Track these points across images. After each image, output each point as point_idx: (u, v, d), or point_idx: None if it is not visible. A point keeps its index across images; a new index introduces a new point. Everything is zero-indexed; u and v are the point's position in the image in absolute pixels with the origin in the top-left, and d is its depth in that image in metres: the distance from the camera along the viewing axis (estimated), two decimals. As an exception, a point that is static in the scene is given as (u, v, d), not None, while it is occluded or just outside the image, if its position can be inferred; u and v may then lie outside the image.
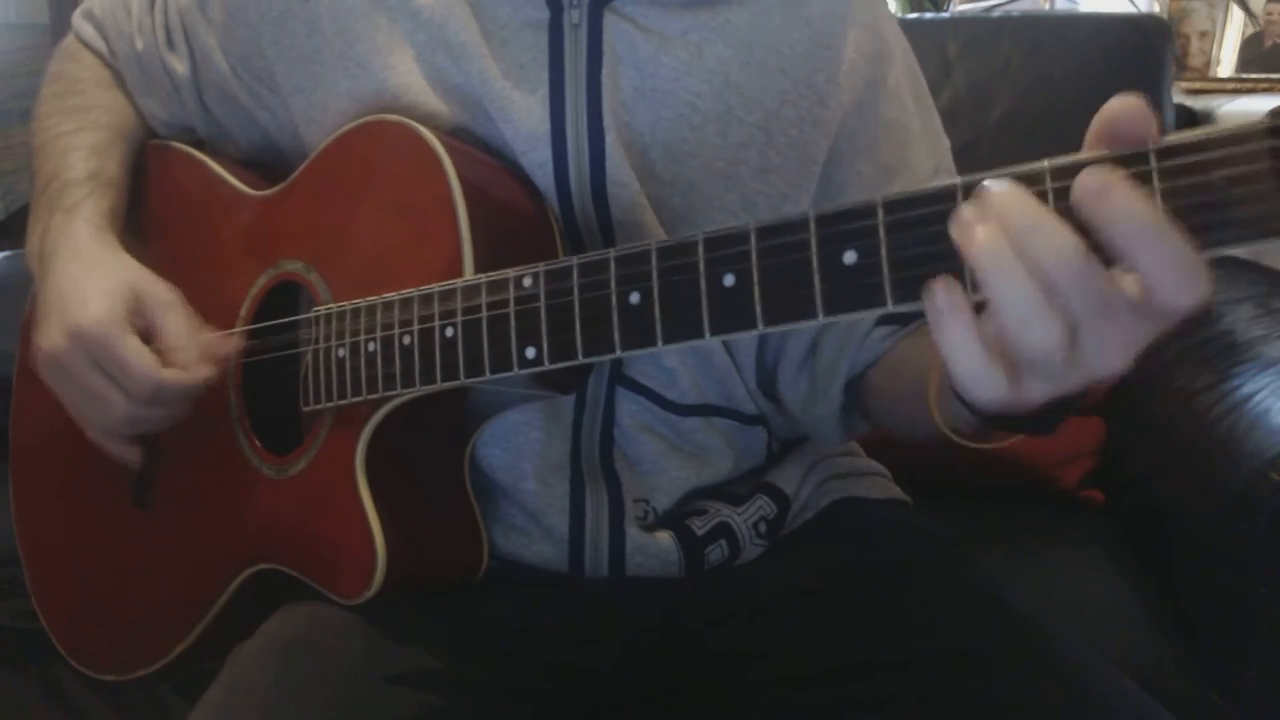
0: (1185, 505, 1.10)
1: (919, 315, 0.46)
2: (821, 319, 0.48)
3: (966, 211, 0.43)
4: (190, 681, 0.73)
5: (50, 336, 0.73)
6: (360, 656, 0.66)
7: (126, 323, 0.71)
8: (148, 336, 0.72)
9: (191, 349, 0.72)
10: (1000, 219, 0.42)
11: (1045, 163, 0.43)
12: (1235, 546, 0.97)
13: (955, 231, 0.43)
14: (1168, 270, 0.40)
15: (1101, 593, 1.07)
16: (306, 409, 0.71)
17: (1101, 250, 0.41)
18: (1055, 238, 0.41)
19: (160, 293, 0.74)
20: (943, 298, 0.44)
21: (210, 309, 0.76)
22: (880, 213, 0.46)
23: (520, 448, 0.74)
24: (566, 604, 0.74)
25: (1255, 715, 0.95)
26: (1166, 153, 0.41)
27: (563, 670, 0.72)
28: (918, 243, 0.46)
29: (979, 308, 0.44)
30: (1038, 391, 0.46)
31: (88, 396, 0.73)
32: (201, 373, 0.71)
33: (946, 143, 0.82)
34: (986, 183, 0.43)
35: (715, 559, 0.76)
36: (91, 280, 0.73)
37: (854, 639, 0.72)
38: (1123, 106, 0.42)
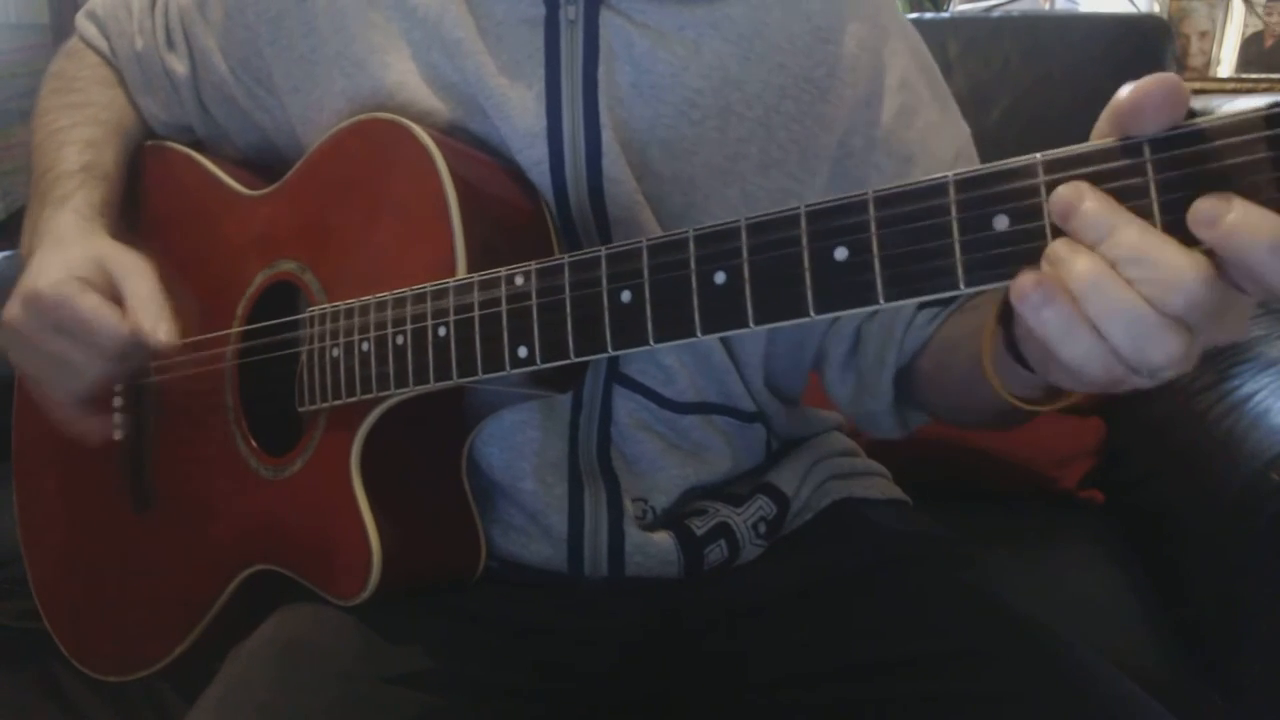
0: (1185, 505, 1.10)
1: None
2: (813, 316, 0.48)
3: (1061, 246, 0.42)
4: (190, 681, 0.73)
5: (9, 307, 0.72)
6: (359, 657, 0.66)
7: (84, 283, 0.70)
8: (113, 301, 0.71)
9: (155, 309, 0.70)
10: (1101, 247, 0.41)
11: (1038, 156, 0.43)
12: (1235, 546, 0.97)
13: (1049, 266, 0.42)
14: None
15: (1101, 593, 1.07)
16: (302, 409, 0.71)
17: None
18: (1172, 268, 0.39)
19: (126, 259, 0.73)
20: (1036, 294, 0.42)
21: (206, 309, 0.76)
22: (871, 208, 0.46)
23: (518, 447, 0.74)
24: (566, 604, 0.74)
25: (1255, 715, 0.95)
26: (1160, 144, 0.40)
27: (561, 671, 0.72)
28: (909, 238, 0.45)
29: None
30: (1147, 383, 0.44)
31: (52, 362, 0.72)
32: (161, 338, 0.69)
33: (966, 129, 0.81)
34: (1085, 205, 0.41)
35: (715, 559, 0.76)
36: (60, 255, 0.72)
37: (854, 639, 0.71)
38: (1158, 86, 0.40)
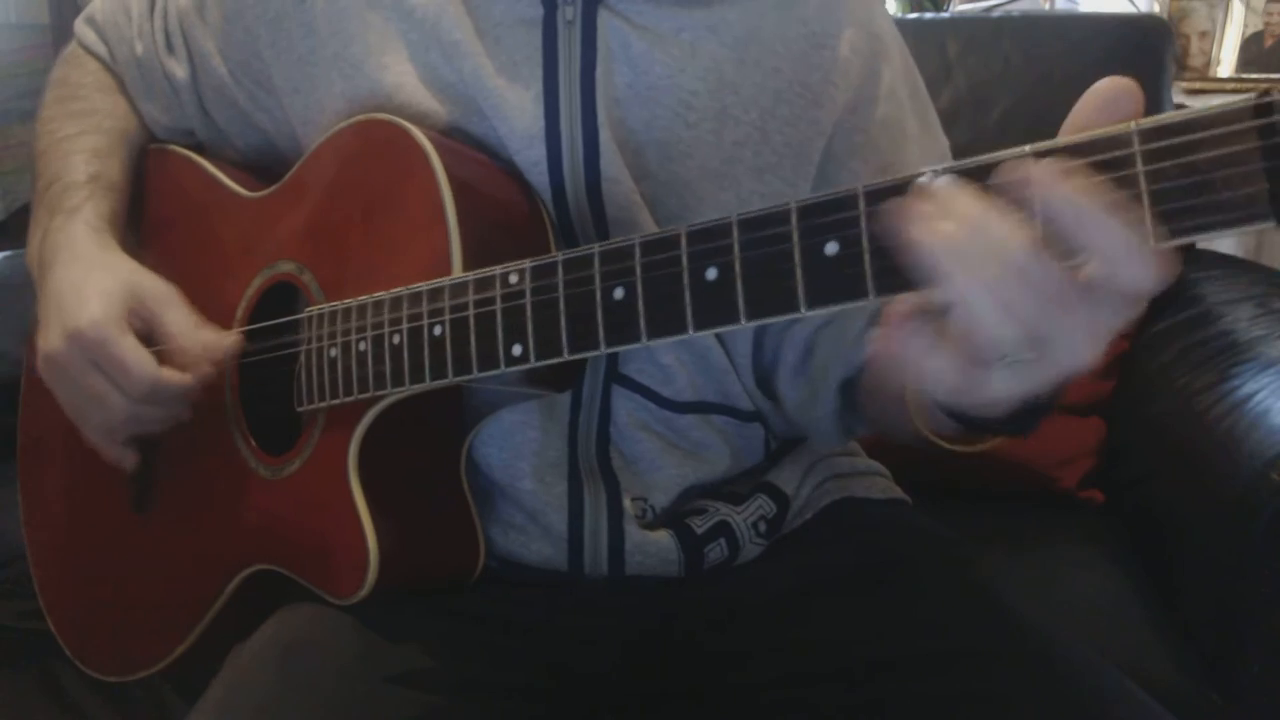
0: (1185, 505, 1.10)
1: None
2: (804, 311, 0.48)
3: (921, 206, 0.43)
4: (190, 681, 0.73)
5: (49, 339, 0.73)
6: (359, 657, 0.66)
7: (124, 322, 0.72)
8: (148, 334, 0.73)
9: (193, 345, 0.72)
10: (950, 214, 0.42)
11: (1027, 148, 0.43)
12: (1235, 546, 0.97)
13: (911, 225, 0.43)
14: (1125, 255, 0.40)
15: (1101, 593, 1.07)
16: (300, 409, 0.71)
17: (1059, 241, 0.41)
18: (1003, 232, 0.41)
19: (159, 289, 0.74)
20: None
21: (207, 311, 0.76)
22: (861, 203, 0.46)
23: (517, 447, 0.74)
24: (566, 604, 0.74)
25: (1255, 715, 0.95)
26: (1150, 134, 0.40)
27: (562, 670, 0.72)
28: (899, 233, 0.45)
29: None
30: (1007, 389, 0.46)
31: (87, 397, 0.73)
32: (200, 371, 0.72)
33: (945, 142, 0.81)
34: (938, 180, 0.43)
35: (715, 558, 0.76)
36: (90, 281, 0.73)
37: (854, 639, 0.71)
38: (1113, 89, 0.41)
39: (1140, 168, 0.40)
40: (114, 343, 0.70)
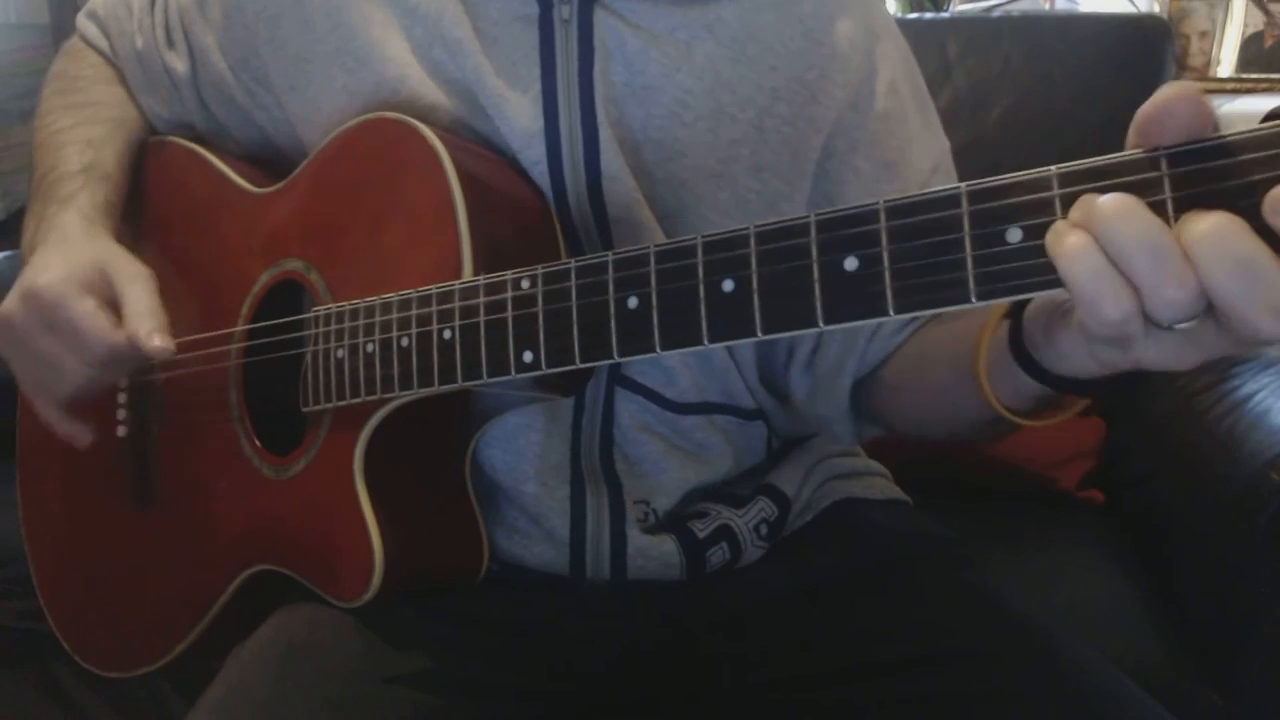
0: (1185, 505, 1.10)
1: None
2: (822, 327, 0.47)
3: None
4: (190, 680, 0.73)
5: (6, 302, 0.72)
6: (359, 658, 0.66)
7: (81, 287, 0.70)
8: (110, 308, 0.71)
9: (152, 319, 0.70)
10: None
11: (1053, 169, 0.42)
12: (1235, 546, 0.97)
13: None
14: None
15: (1101, 593, 1.07)
16: (306, 409, 0.71)
17: None
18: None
19: (130, 268, 0.73)
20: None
21: (211, 307, 0.76)
22: (883, 218, 0.46)
23: (520, 449, 0.73)
24: (567, 607, 0.74)
25: (1255, 715, 0.95)
26: (1179, 159, 0.40)
27: (563, 673, 0.72)
28: (921, 250, 0.45)
29: None
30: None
31: (40, 361, 0.72)
32: (156, 345, 0.69)
33: (945, 143, 0.81)
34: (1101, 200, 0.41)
35: (716, 561, 0.76)
36: (64, 254, 0.72)
37: (855, 640, 0.71)
38: (1183, 104, 0.39)
39: (1169, 194, 0.40)
40: (69, 301, 0.69)
